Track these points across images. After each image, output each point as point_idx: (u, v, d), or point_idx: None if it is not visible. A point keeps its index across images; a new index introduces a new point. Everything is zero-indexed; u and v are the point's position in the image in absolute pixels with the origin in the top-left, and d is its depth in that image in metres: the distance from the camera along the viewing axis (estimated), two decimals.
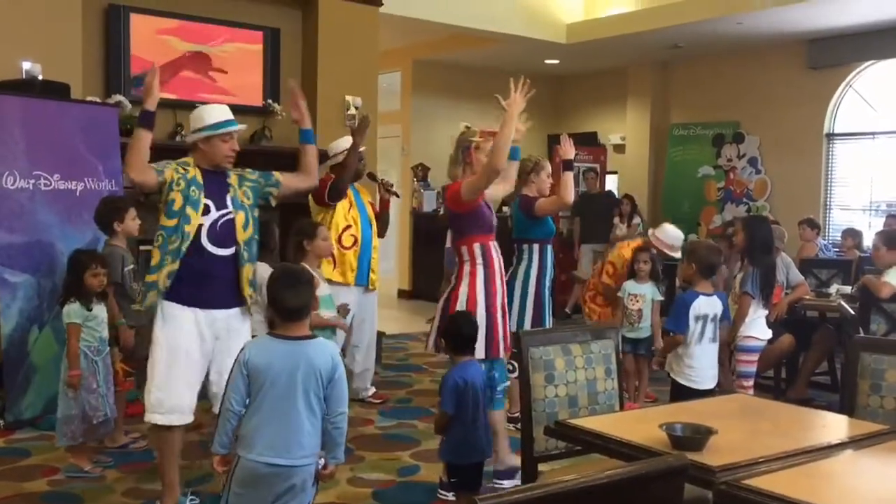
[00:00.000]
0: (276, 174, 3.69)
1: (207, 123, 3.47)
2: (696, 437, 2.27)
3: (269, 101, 6.47)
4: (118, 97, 5.67)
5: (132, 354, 4.41)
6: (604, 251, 9.05)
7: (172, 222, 3.39)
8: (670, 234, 5.46)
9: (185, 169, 3.47)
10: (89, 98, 5.44)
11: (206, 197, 3.43)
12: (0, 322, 4.58)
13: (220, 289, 3.43)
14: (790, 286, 5.41)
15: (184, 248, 3.38)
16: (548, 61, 10.28)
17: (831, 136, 9.10)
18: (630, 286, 5.34)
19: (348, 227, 5.18)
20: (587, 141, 10.53)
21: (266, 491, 2.59)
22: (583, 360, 2.99)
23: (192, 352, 3.40)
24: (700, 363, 3.85)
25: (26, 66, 5.06)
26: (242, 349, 2.67)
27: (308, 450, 2.61)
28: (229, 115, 3.54)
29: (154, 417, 3.42)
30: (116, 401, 4.16)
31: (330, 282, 4.60)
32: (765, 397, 4.45)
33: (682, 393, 3.81)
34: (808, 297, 5.55)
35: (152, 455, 4.29)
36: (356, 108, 6.48)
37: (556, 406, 2.89)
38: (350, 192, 5.20)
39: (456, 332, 3.40)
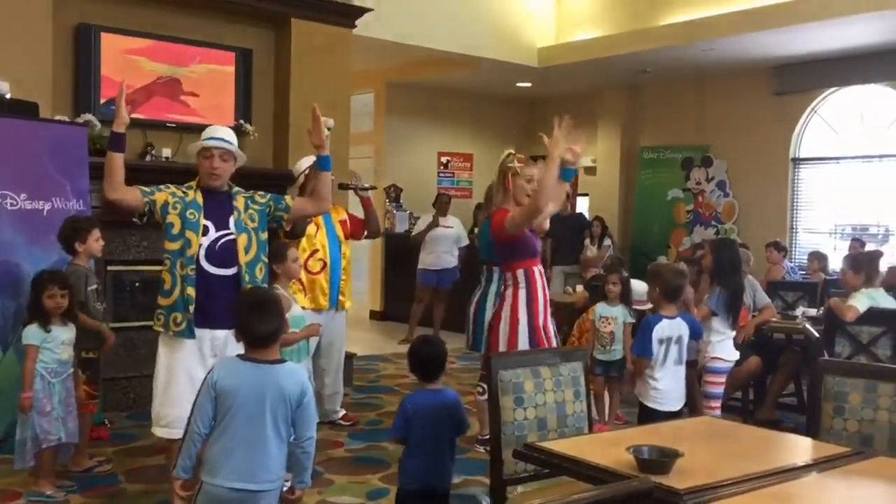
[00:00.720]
0: (287, 198, 3.74)
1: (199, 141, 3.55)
2: (662, 459, 2.28)
3: (242, 121, 6.44)
4: (87, 116, 5.61)
5: (97, 376, 4.34)
6: (574, 272, 9.14)
7: (176, 245, 3.45)
8: (639, 290, 5.52)
9: (184, 192, 3.52)
10: (58, 117, 5.38)
11: (205, 218, 3.47)
12: None
13: (220, 308, 3.40)
14: (757, 308, 5.46)
15: (192, 273, 3.41)
16: (520, 84, 10.36)
17: (797, 161, 9.26)
18: (601, 308, 5.35)
19: (315, 251, 5.15)
20: None
21: None
22: (552, 382, 3.00)
23: (193, 369, 3.42)
24: (665, 385, 3.87)
25: None
26: (210, 370, 2.65)
27: (274, 474, 2.59)
28: (215, 133, 3.56)
29: (157, 430, 3.56)
30: (81, 424, 4.09)
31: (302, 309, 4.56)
32: (733, 419, 4.49)
33: (649, 415, 3.82)
34: (774, 319, 5.61)
35: (117, 479, 4.24)
36: (329, 129, 6.46)
37: (526, 429, 2.89)
38: None
39: (419, 360, 3.24)
